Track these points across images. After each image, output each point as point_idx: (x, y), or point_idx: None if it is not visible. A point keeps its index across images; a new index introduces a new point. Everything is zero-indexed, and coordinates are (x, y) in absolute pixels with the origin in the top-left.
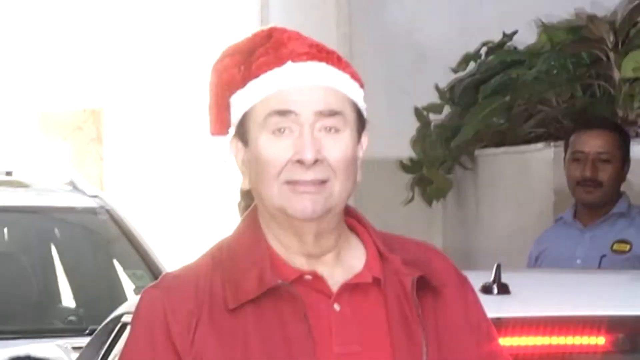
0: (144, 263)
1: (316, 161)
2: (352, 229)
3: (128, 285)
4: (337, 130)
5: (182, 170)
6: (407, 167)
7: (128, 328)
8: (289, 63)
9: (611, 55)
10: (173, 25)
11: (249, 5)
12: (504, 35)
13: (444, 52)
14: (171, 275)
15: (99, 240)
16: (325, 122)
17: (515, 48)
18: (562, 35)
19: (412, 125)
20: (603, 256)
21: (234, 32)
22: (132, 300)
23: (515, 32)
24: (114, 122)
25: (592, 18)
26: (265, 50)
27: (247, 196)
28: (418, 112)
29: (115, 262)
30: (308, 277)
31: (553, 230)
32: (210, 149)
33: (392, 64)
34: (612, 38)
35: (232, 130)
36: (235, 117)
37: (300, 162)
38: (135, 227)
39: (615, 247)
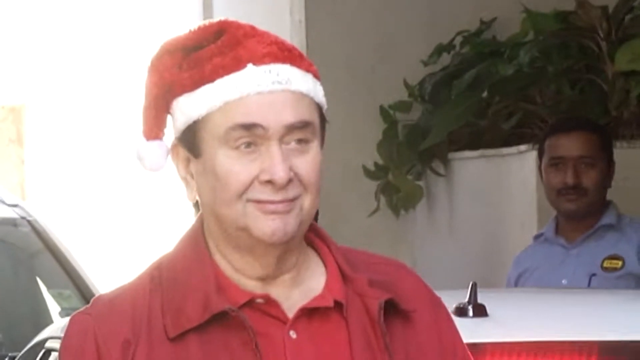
0: (71, 281)
1: (288, 180)
2: (311, 244)
3: (53, 307)
4: (307, 142)
5: (113, 176)
6: (371, 172)
7: (53, 355)
8: (250, 66)
9: (603, 45)
10: (104, 12)
11: None
12: (482, 22)
13: (413, 43)
14: (104, 298)
15: (19, 256)
16: (296, 135)
17: (494, 37)
18: (548, 23)
19: (377, 126)
20: (592, 275)
21: (172, 20)
22: (57, 323)
23: (494, 20)
24: (36, 121)
25: (582, 3)
26: (218, 50)
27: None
28: (383, 111)
29: (39, 281)
30: (260, 300)
31: (533, 249)
32: (141, 154)
33: (354, 56)
34: (604, 26)
35: (167, 133)
36: (180, 123)
37: (269, 182)
38: (61, 240)
39: (606, 264)
